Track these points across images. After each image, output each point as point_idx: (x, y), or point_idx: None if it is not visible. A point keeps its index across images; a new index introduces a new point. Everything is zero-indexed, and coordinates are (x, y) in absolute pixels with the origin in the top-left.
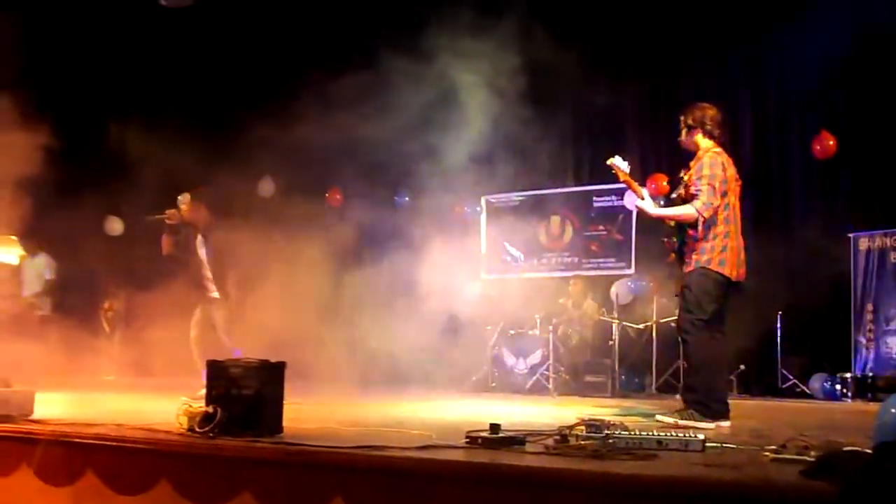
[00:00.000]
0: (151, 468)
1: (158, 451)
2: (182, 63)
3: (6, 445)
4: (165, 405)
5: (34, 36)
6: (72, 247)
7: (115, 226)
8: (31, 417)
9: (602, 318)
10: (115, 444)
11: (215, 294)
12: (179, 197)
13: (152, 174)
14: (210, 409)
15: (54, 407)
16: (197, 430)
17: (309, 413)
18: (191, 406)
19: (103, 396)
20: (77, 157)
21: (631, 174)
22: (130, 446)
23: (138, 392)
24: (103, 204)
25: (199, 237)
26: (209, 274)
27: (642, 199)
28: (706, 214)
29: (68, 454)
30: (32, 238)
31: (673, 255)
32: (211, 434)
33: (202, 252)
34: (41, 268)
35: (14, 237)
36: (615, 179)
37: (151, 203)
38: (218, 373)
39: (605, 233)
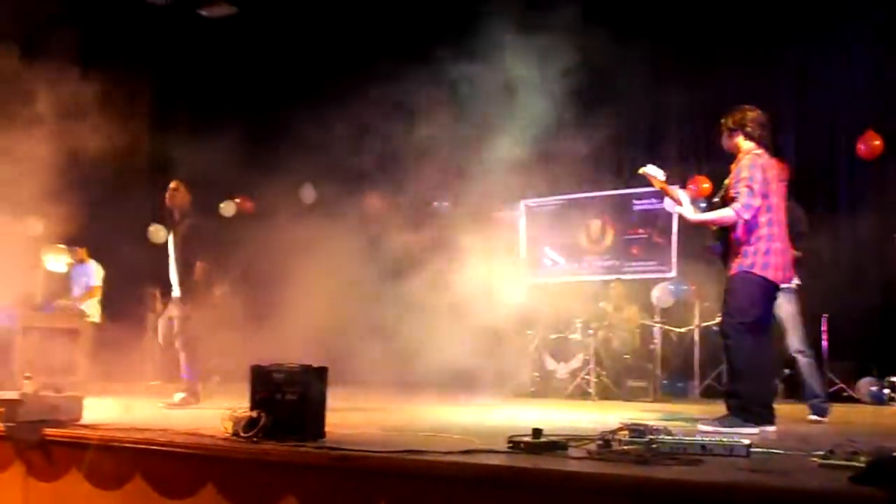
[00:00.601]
0: (197, 472)
1: (204, 455)
2: (223, 70)
3: (56, 450)
4: (209, 410)
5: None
6: (118, 254)
7: (159, 233)
8: (80, 422)
9: (643, 321)
10: (162, 448)
11: (176, 292)
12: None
13: (196, 181)
14: (254, 414)
15: (102, 412)
16: (241, 434)
17: (352, 418)
18: (235, 411)
19: (149, 401)
20: (123, 164)
21: (671, 177)
22: (177, 451)
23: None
24: (149, 212)
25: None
26: (175, 268)
27: (680, 205)
28: (746, 216)
29: (117, 459)
30: (80, 245)
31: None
32: (255, 439)
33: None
34: (89, 275)
35: (62, 245)
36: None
37: (194, 210)
38: (262, 377)
39: (645, 236)
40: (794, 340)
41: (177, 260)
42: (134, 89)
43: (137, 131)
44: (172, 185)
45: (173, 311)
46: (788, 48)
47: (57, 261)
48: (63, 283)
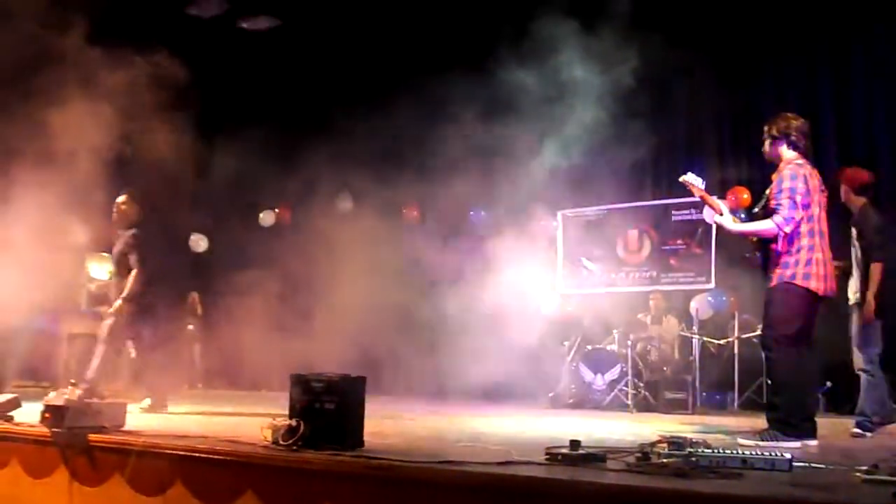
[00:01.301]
0: (237, 480)
1: (244, 462)
2: (261, 82)
3: (101, 456)
4: (248, 417)
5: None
6: (161, 263)
7: (200, 243)
8: (123, 429)
9: (682, 333)
10: (203, 455)
11: (116, 304)
12: (118, 197)
13: (234, 191)
14: (293, 423)
15: (144, 419)
16: (281, 443)
17: (390, 427)
18: (275, 419)
19: (190, 408)
20: (167, 174)
21: (710, 187)
22: (217, 458)
23: (222, 404)
24: (191, 221)
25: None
26: (115, 276)
27: (721, 214)
28: (787, 230)
29: (159, 465)
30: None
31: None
32: (294, 447)
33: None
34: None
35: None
36: (690, 193)
37: (234, 220)
38: (301, 386)
39: (684, 247)
40: (856, 359)
41: (117, 268)
42: (178, 101)
43: (182, 142)
44: (121, 198)
45: (111, 315)
46: (828, 57)
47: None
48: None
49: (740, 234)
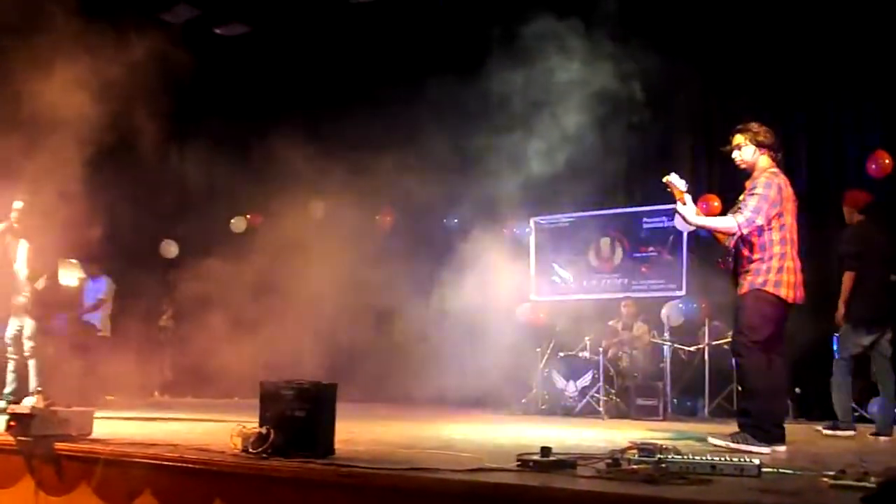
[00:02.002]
0: (207, 488)
1: (213, 471)
2: (235, 86)
3: (67, 464)
4: (218, 424)
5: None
6: (131, 269)
7: (170, 248)
8: (90, 437)
9: (653, 340)
10: (171, 464)
11: (21, 305)
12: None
13: (206, 198)
14: (263, 431)
15: (110, 427)
16: (251, 451)
17: (360, 435)
18: (245, 427)
19: (156, 415)
20: (139, 180)
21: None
22: (186, 466)
23: (188, 411)
24: (160, 227)
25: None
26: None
27: (684, 204)
28: (745, 230)
29: (127, 474)
30: (94, 261)
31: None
32: (264, 455)
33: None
34: (100, 289)
35: (75, 260)
36: (666, 200)
37: (204, 226)
38: (271, 394)
39: (655, 254)
40: None
41: (20, 274)
42: (154, 108)
43: (155, 148)
44: (19, 204)
45: (16, 323)
46: (797, 67)
47: (69, 275)
48: (75, 298)
49: (700, 227)
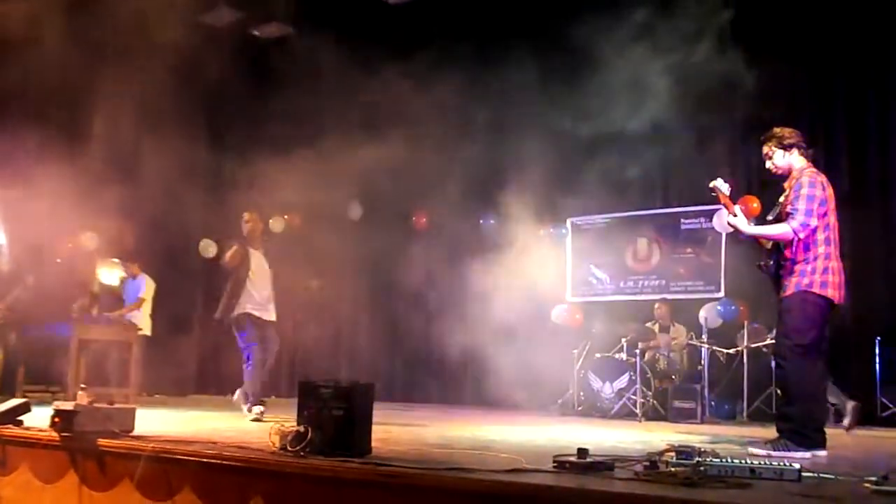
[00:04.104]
0: (245, 486)
1: (252, 469)
2: (275, 89)
3: (110, 460)
4: (256, 423)
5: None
6: (171, 268)
7: (209, 248)
8: (132, 434)
9: (690, 342)
10: (211, 461)
11: None
12: None
13: (245, 197)
14: (301, 429)
15: (151, 424)
16: (289, 449)
17: (398, 435)
18: (283, 426)
19: (195, 413)
20: (178, 181)
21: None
22: (225, 464)
23: (223, 409)
24: (201, 226)
25: None
26: None
27: (735, 215)
28: (801, 235)
29: (167, 470)
30: (134, 260)
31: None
32: (302, 454)
33: None
34: (140, 288)
35: (116, 259)
36: (704, 201)
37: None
38: (309, 393)
39: (693, 255)
40: None
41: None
42: (191, 109)
43: (193, 149)
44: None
45: None
46: (839, 65)
47: (110, 274)
48: (117, 297)
49: (754, 237)
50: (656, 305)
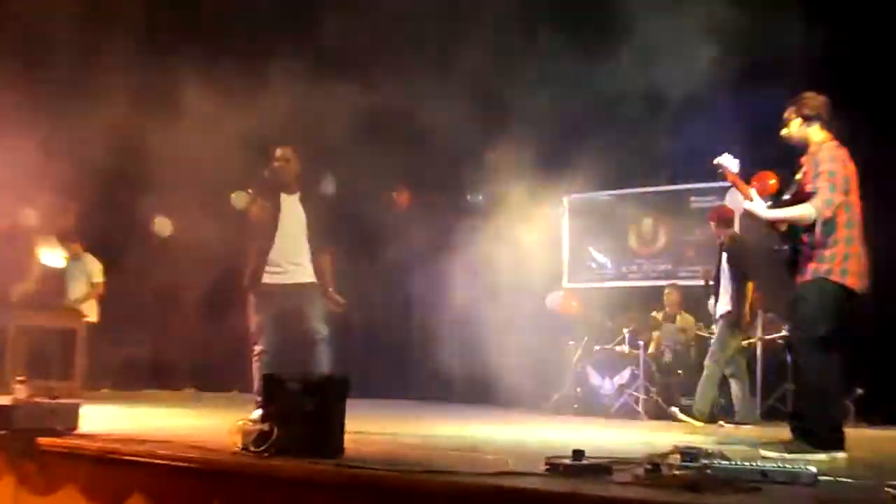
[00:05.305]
0: (203, 490)
1: (210, 471)
2: None
3: (51, 461)
4: (212, 419)
5: None
6: (118, 249)
7: (164, 226)
8: (76, 432)
9: (699, 332)
10: (164, 462)
11: None
12: None
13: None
14: (266, 428)
15: (100, 421)
16: (252, 449)
17: (374, 434)
18: (246, 423)
19: (147, 409)
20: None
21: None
22: (181, 465)
23: (184, 404)
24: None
25: None
26: None
27: (751, 200)
28: (828, 214)
29: (116, 473)
30: (77, 240)
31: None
32: (266, 454)
33: None
34: (86, 271)
35: (56, 238)
36: (714, 177)
37: (200, 202)
38: (275, 387)
39: (703, 237)
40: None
41: None
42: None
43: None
44: None
45: None
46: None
47: (53, 256)
48: (60, 280)
49: (773, 222)
50: (666, 291)
